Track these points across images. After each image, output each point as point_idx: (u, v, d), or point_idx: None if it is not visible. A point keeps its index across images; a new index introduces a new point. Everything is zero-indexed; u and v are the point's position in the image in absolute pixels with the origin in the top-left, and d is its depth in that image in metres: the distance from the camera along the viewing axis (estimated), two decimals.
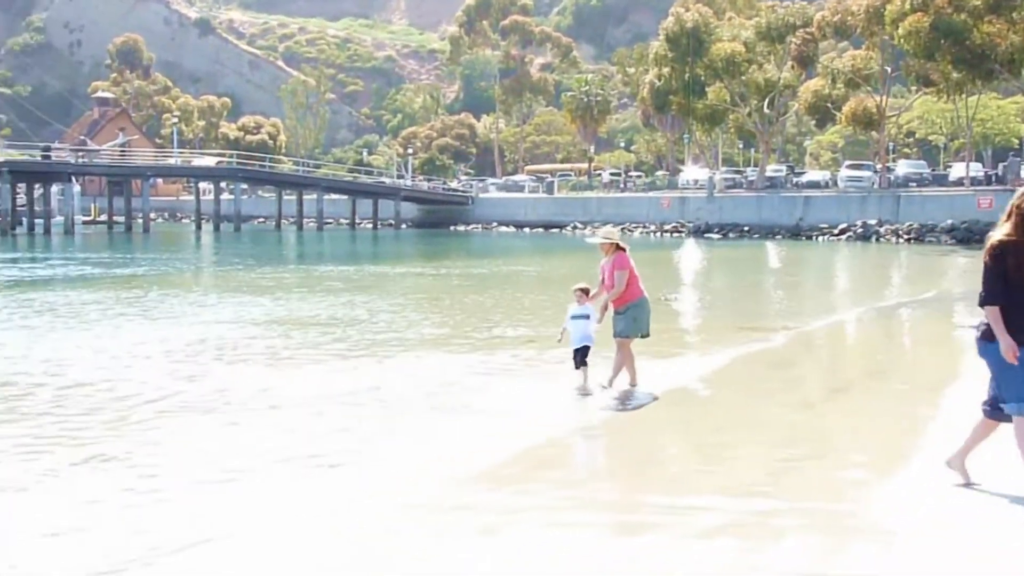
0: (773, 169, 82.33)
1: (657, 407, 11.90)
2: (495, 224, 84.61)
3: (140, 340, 17.58)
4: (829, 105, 73.00)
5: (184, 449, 9.92)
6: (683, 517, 7.65)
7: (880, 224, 60.60)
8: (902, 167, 75.18)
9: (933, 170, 78.14)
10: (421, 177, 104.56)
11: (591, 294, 12.61)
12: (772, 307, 25.98)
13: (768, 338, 18.28)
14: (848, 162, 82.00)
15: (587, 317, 12.46)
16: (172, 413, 11.61)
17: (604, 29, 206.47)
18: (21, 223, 72.87)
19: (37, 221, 73.64)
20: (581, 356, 12.46)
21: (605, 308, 12.49)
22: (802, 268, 42.68)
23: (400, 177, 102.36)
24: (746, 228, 67.33)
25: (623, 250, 12.52)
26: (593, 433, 10.71)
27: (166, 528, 7.43)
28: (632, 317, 12.43)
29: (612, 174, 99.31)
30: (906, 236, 58.32)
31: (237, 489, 8.55)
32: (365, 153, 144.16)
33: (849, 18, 68.68)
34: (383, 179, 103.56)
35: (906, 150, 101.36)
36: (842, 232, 61.69)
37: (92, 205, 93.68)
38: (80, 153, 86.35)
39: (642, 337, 12.68)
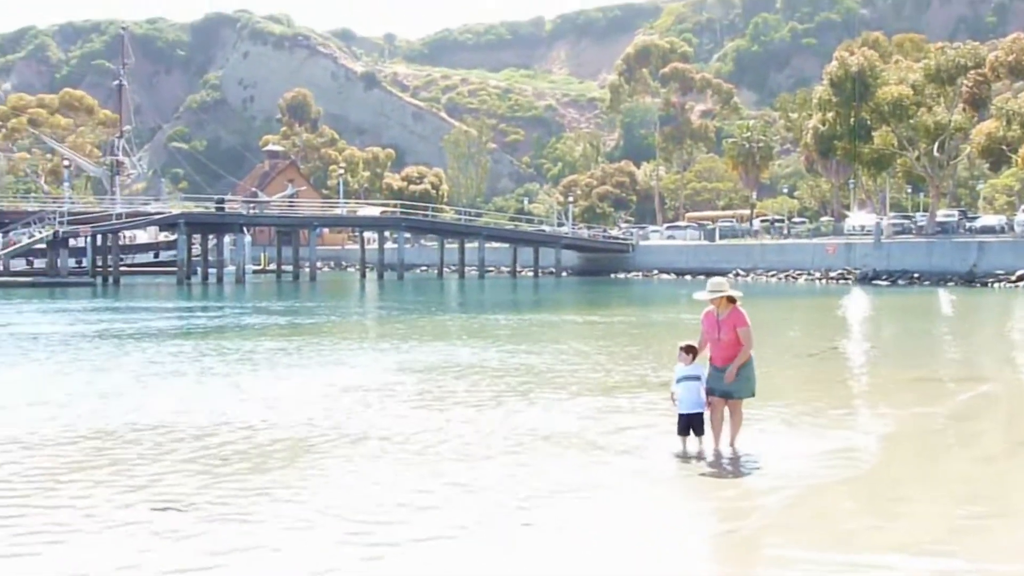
0: (944, 214, 79.93)
1: (829, 460, 11.54)
2: (656, 271, 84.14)
3: (316, 384, 18.14)
4: (1004, 147, 70.44)
5: (398, 499, 10.07)
6: (858, 575, 7.37)
7: None
8: None
9: None
10: (581, 225, 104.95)
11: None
12: (946, 357, 25.08)
13: (943, 389, 17.65)
14: None
15: (698, 378, 11.53)
16: (359, 453, 11.86)
17: (766, 74, 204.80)
18: (196, 272, 75.59)
19: (210, 270, 76.27)
20: (696, 423, 11.54)
21: (738, 370, 11.45)
22: (978, 316, 41.14)
23: (560, 225, 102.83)
24: (916, 275, 65.36)
25: (734, 302, 11.65)
26: (765, 488, 10.41)
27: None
28: (746, 376, 11.60)
29: (763, 221, 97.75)
30: None
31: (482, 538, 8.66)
32: (526, 201, 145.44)
33: None
34: (544, 227, 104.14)
35: None
36: (1020, 279, 59.27)
37: (262, 254, 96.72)
38: (251, 204, 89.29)
39: (750, 396, 11.83)
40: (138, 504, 9.67)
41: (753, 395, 11.81)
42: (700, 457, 11.46)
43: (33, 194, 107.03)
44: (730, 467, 11.18)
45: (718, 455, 11.50)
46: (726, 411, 11.69)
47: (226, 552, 8.15)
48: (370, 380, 18.78)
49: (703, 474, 10.90)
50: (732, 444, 11.69)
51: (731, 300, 11.66)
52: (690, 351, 11.60)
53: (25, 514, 9.32)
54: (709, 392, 11.55)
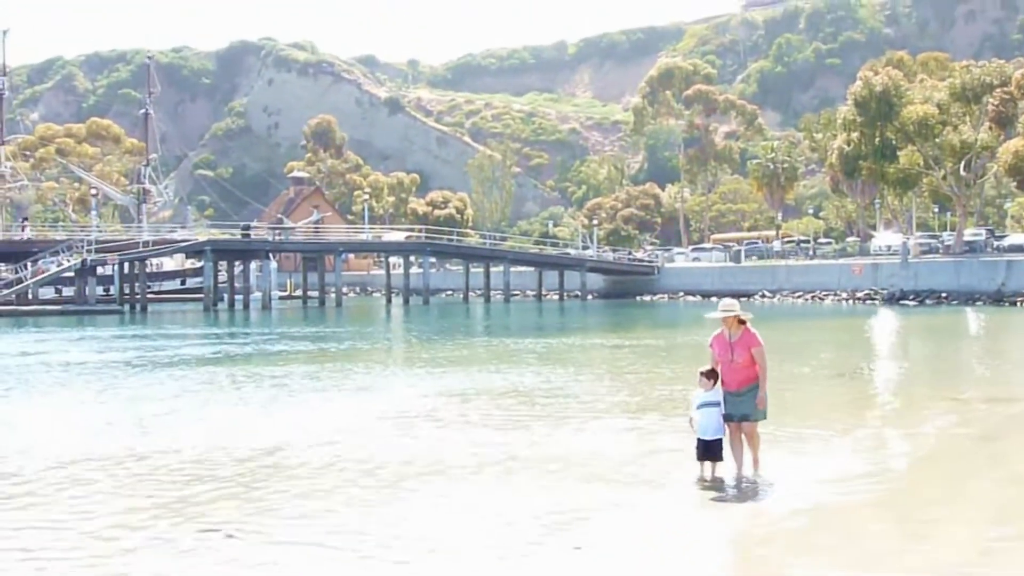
0: (972, 233, 79.44)
1: (857, 481, 11.50)
2: (681, 294, 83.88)
3: (352, 411, 18.39)
4: None
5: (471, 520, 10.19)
6: None
7: None
8: None
9: None
10: (606, 248, 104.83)
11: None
12: (975, 377, 24.90)
13: (973, 409, 17.53)
14: None
15: (718, 404, 11.36)
16: (415, 479, 11.98)
17: (790, 95, 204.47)
18: (222, 299, 75.87)
19: (237, 297, 76.57)
20: (715, 449, 11.37)
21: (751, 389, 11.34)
22: (1007, 336, 40.85)
23: (585, 248, 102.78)
24: (943, 294, 64.92)
25: (743, 323, 11.51)
26: (793, 510, 10.37)
27: None
28: (755, 397, 11.40)
29: (789, 242, 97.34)
30: None
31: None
32: (550, 225, 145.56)
33: None
34: (568, 251, 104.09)
35: None
36: None
37: (288, 280, 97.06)
38: (277, 231, 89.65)
39: (764, 419, 11.62)
40: (194, 533, 9.83)
41: (766, 417, 11.63)
42: (721, 482, 11.35)
43: (61, 223, 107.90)
44: (756, 490, 11.15)
45: (741, 479, 11.42)
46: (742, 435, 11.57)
47: None
48: (406, 406, 18.92)
49: (729, 499, 10.88)
50: (756, 466, 11.59)
51: (741, 322, 11.53)
52: (712, 376, 11.46)
53: (84, 541, 9.49)
54: (727, 418, 11.42)
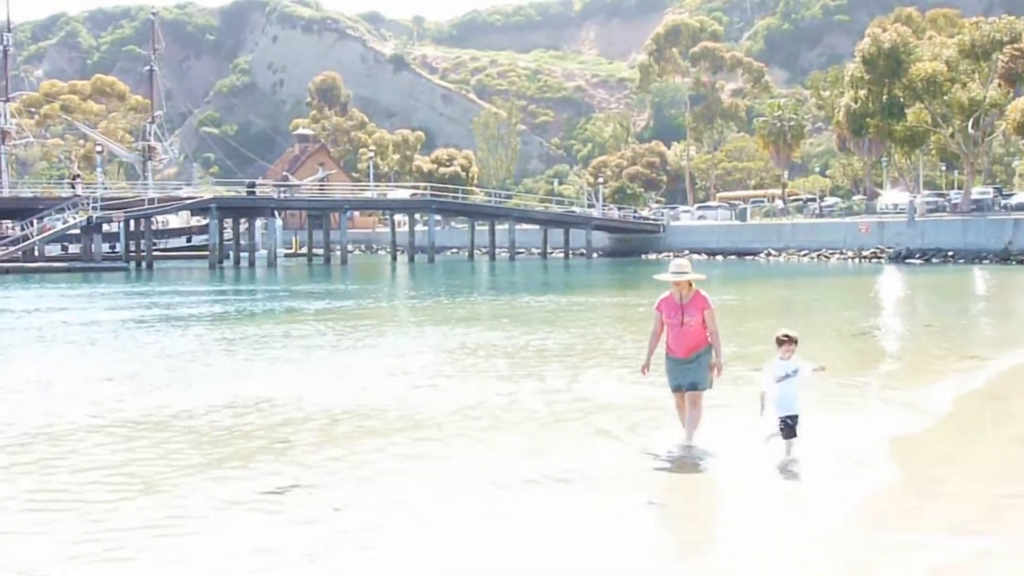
0: (979, 191, 79.11)
1: (866, 439, 11.51)
2: (687, 252, 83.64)
3: (373, 367, 18.52)
4: None
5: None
6: (899, 555, 7.40)
7: None
8: None
9: None
10: (612, 206, 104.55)
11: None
12: (983, 336, 24.90)
13: (980, 369, 17.51)
14: None
15: (796, 373, 10.34)
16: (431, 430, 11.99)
17: (797, 52, 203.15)
18: (228, 256, 75.92)
19: (243, 254, 76.62)
20: (793, 424, 10.33)
21: (699, 357, 10.82)
22: (1015, 295, 40.79)
23: (591, 206, 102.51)
24: (950, 253, 64.81)
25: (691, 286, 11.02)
26: (802, 468, 10.36)
27: None
28: (708, 365, 10.90)
29: (793, 200, 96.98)
30: None
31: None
32: (556, 183, 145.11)
33: None
34: (574, 209, 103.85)
35: None
36: None
37: (293, 238, 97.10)
38: (282, 188, 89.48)
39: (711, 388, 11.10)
40: (263, 487, 9.89)
41: (712, 387, 11.11)
42: (794, 461, 10.39)
43: (67, 180, 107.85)
44: (761, 450, 11.03)
45: (691, 448, 10.93)
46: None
47: (357, 530, 8.45)
48: (423, 361, 19.06)
49: (734, 460, 10.83)
50: (694, 435, 10.98)
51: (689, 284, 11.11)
52: (794, 342, 10.43)
53: (143, 500, 9.51)
54: (675, 388, 11.03)
